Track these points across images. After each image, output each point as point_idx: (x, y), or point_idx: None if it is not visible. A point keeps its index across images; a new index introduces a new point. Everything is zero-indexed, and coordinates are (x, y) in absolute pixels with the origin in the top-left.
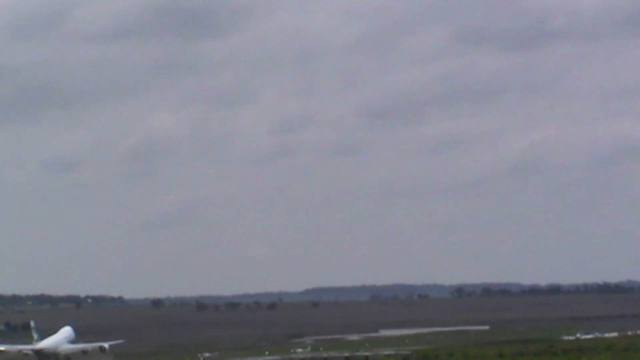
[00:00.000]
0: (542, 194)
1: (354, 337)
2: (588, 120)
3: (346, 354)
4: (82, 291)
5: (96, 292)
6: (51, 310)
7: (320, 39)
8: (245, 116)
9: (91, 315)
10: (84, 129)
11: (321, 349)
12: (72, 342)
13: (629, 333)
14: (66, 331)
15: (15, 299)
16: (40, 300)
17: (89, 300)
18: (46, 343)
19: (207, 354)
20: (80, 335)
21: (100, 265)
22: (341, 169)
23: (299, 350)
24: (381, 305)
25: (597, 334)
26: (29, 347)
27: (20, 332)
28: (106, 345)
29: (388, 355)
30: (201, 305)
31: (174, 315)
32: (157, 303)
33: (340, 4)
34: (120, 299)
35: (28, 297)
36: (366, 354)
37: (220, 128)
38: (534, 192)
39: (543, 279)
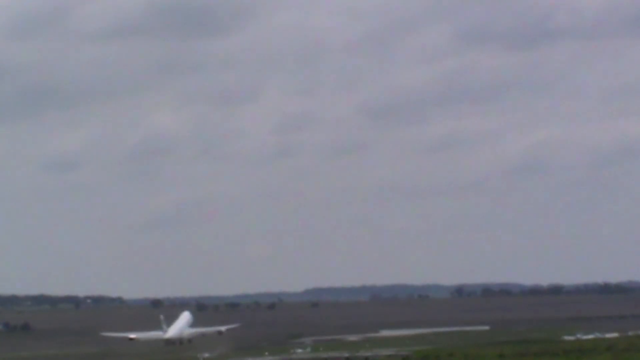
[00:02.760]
0: (543, 193)
1: (354, 337)
2: (591, 120)
3: (346, 354)
4: (81, 291)
5: (95, 292)
6: (50, 310)
7: (322, 38)
8: (246, 116)
9: (90, 315)
10: (85, 128)
11: (321, 349)
12: (191, 325)
13: (630, 333)
14: (185, 316)
15: (14, 299)
16: (40, 300)
17: (89, 300)
18: (173, 332)
19: (207, 354)
20: (79, 335)
21: (99, 265)
22: (342, 168)
23: (299, 350)
24: (381, 305)
25: (598, 335)
26: (159, 334)
27: (20, 332)
28: (223, 329)
29: (388, 356)
30: (201, 305)
31: (174, 315)
32: (156, 303)
33: (342, 4)
34: (119, 299)
35: (27, 297)
36: (366, 354)
37: (221, 127)
38: (535, 192)
39: (544, 279)
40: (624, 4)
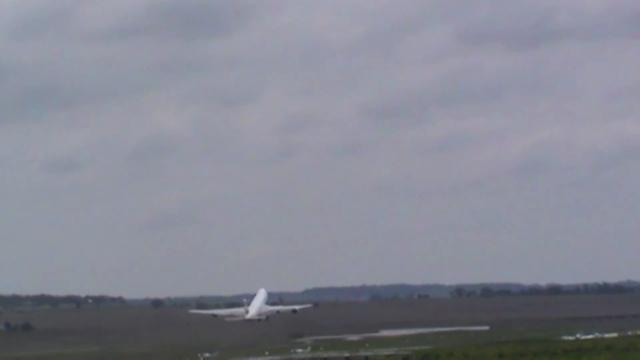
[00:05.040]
0: (542, 193)
1: (354, 337)
2: (591, 120)
3: (346, 354)
4: (82, 291)
5: (96, 292)
6: (51, 310)
7: (324, 38)
8: (248, 115)
9: (91, 315)
10: (86, 128)
11: (321, 348)
12: (267, 301)
13: (629, 333)
14: (262, 294)
15: (15, 299)
16: (40, 300)
17: (89, 300)
18: (253, 311)
19: (207, 354)
20: (80, 335)
21: (100, 265)
22: (343, 168)
23: (299, 350)
24: (381, 305)
25: (597, 334)
26: (240, 310)
27: (21, 332)
28: (297, 307)
29: (388, 356)
30: (201, 305)
31: (174, 315)
32: (157, 303)
33: (344, 4)
34: (120, 299)
35: (28, 297)
36: (366, 354)
37: (223, 127)
38: (534, 192)
39: (543, 279)
40: (626, 5)
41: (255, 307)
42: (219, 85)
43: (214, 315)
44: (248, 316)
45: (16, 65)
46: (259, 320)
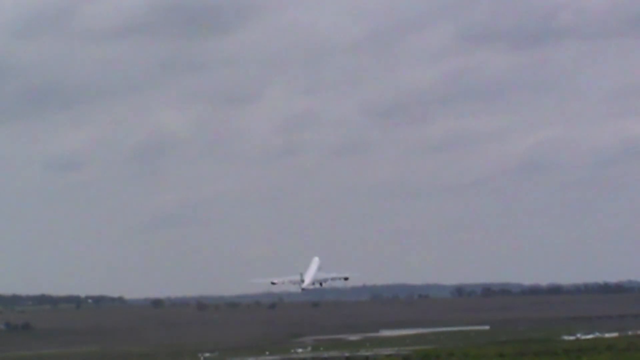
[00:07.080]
0: (543, 193)
1: (355, 337)
2: (593, 119)
3: (346, 354)
4: (82, 291)
5: (96, 292)
6: (51, 310)
7: (326, 37)
8: (249, 115)
9: (91, 315)
10: (88, 127)
11: (321, 348)
12: (320, 268)
13: (630, 333)
14: (316, 262)
15: (15, 299)
16: (41, 300)
17: (89, 300)
18: (308, 280)
19: (207, 354)
20: (80, 334)
21: (100, 265)
22: (345, 168)
23: (300, 349)
24: (382, 305)
25: (598, 334)
26: (296, 278)
27: (21, 331)
28: (348, 275)
29: (389, 355)
30: (201, 305)
31: (174, 315)
32: (157, 303)
33: (347, 3)
34: (120, 299)
35: (28, 297)
36: (367, 353)
37: (224, 127)
38: (535, 192)
39: (543, 279)
40: (628, 4)
41: (310, 276)
42: (221, 84)
43: (273, 283)
44: (304, 285)
45: (19, 65)
46: (314, 287)
